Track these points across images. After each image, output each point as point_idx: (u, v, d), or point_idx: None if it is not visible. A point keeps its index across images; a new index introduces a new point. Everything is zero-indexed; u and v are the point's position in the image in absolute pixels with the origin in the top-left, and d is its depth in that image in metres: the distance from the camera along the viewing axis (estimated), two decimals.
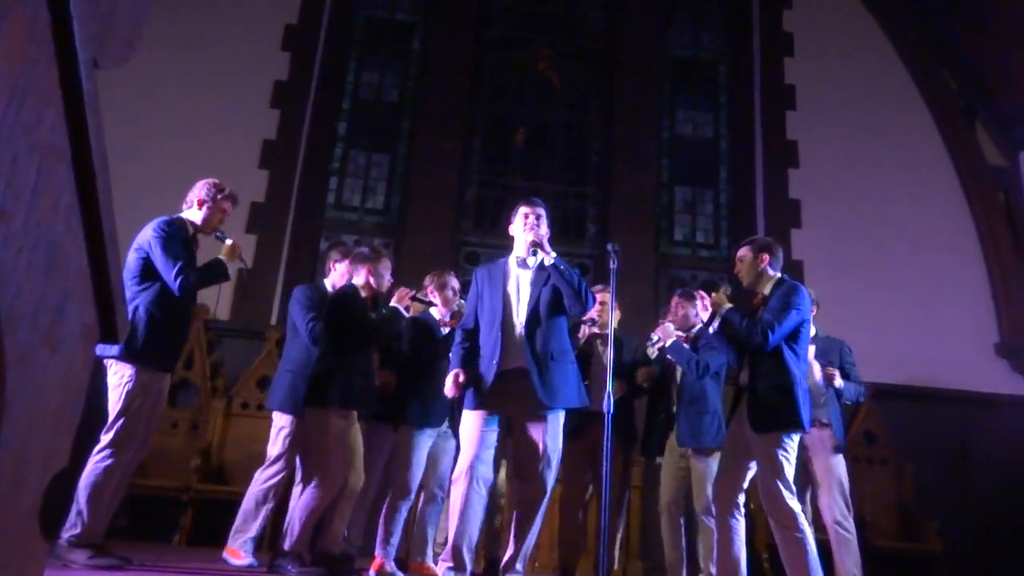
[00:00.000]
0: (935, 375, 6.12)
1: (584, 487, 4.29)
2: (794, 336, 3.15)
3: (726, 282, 6.60)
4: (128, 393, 3.09)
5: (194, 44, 6.54)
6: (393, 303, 3.67)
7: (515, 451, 3.24)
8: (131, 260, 3.22)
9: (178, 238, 3.29)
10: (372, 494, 3.91)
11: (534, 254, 3.26)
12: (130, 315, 3.13)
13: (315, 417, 3.45)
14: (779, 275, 3.34)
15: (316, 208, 6.67)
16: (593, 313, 4.01)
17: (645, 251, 6.58)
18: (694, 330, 4.04)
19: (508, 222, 3.44)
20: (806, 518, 3.92)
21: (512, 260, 3.36)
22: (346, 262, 3.87)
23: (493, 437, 3.17)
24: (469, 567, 3.09)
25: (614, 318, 3.32)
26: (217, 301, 5.76)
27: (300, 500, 3.45)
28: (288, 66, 6.75)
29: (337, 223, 6.75)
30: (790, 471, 3.03)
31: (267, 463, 3.82)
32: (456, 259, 6.56)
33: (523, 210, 3.34)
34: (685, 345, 3.98)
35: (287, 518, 3.53)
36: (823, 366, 3.95)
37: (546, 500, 3.16)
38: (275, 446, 3.81)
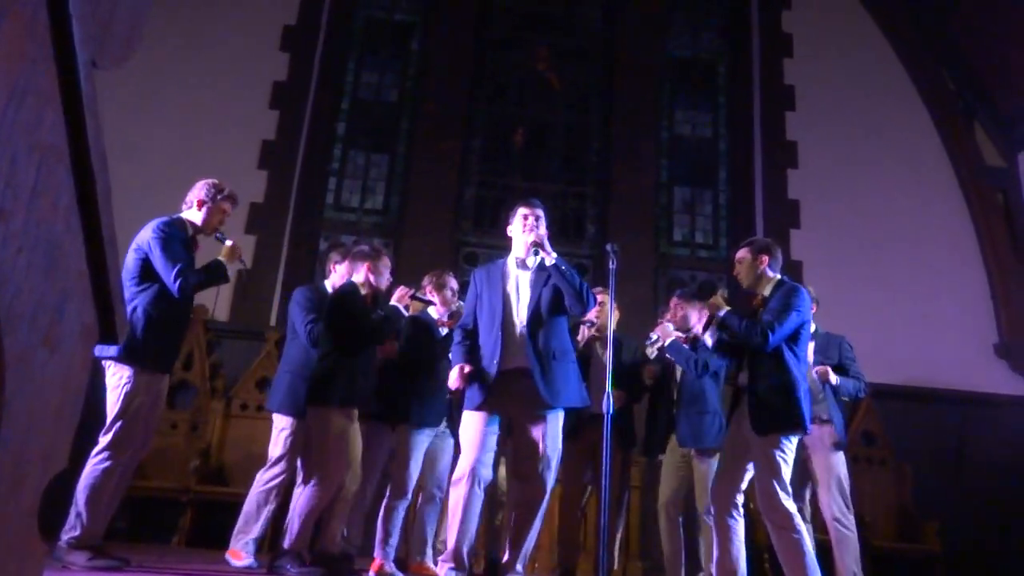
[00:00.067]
0: (934, 375, 6.13)
1: (583, 487, 4.29)
2: (794, 338, 3.14)
3: (725, 282, 6.60)
4: (127, 395, 3.09)
5: (193, 45, 6.54)
6: (393, 302, 3.68)
7: (514, 451, 3.24)
8: (130, 261, 3.22)
9: (178, 239, 3.28)
10: (371, 494, 3.91)
11: (536, 254, 3.26)
12: (128, 316, 3.13)
13: (317, 416, 3.44)
14: (779, 276, 3.33)
15: (315, 208, 6.67)
16: (592, 315, 4.02)
17: (644, 251, 6.58)
18: (693, 331, 4.04)
19: (507, 223, 3.45)
20: (806, 516, 3.94)
21: (511, 261, 3.37)
22: (346, 262, 3.87)
23: (494, 440, 3.18)
24: (469, 567, 3.09)
25: (613, 319, 3.32)
26: (216, 302, 5.76)
27: (299, 499, 3.45)
28: (287, 67, 6.74)
29: (336, 223, 6.75)
30: (787, 472, 3.03)
31: (268, 465, 3.82)
32: (455, 259, 6.56)
33: (522, 211, 3.35)
34: (684, 345, 3.98)
35: (287, 518, 3.53)
36: (818, 364, 3.92)
37: (546, 500, 3.16)
38: (276, 447, 3.81)
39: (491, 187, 7.01)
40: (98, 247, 1.13)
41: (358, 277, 3.69)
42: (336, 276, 3.98)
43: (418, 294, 3.84)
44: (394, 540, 3.75)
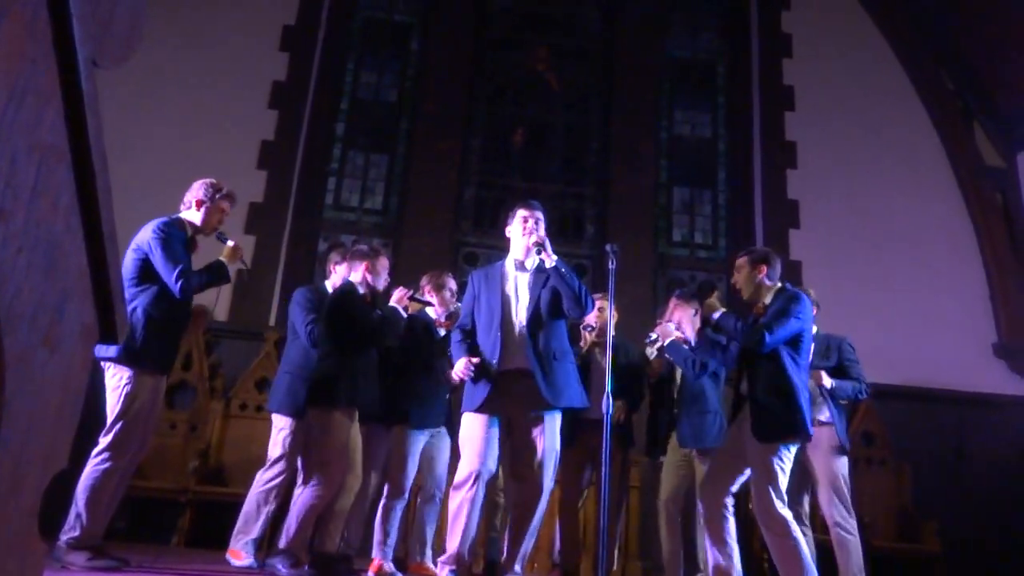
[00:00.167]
0: (933, 376, 6.13)
1: (582, 488, 4.29)
2: (795, 345, 3.11)
3: (724, 283, 6.60)
4: (127, 396, 3.09)
5: (193, 44, 6.53)
6: (392, 303, 3.67)
7: (513, 452, 3.24)
8: (129, 261, 3.22)
9: (178, 239, 3.28)
10: (370, 495, 3.91)
11: (537, 254, 3.26)
12: (128, 317, 3.12)
13: (319, 417, 3.44)
14: (779, 284, 3.30)
15: (314, 208, 6.66)
16: (591, 319, 4.02)
17: (643, 252, 6.57)
18: (683, 336, 4.04)
19: (506, 223, 3.44)
20: (805, 519, 3.93)
21: (509, 262, 3.36)
22: (345, 262, 3.87)
23: (495, 442, 3.18)
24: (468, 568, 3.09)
25: (612, 322, 3.31)
26: (215, 302, 5.74)
27: (299, 499, 3.45)
28: (286, 67, 6.74)
29: (335, 223, 6.74)
30: (783, 480, 3.02)
31: (268, 465, 3.82)
32: (455, 259, 6.56)
33: (522, 213, 3.34)
34: (684, 345, 3.98)
35: (286, 518, 3.53)
36: (813, 367, 3.86)
37: (544, 501, 3.16)
38: (276, 448, 3.81)
39: (490, 187, 7.00)
40: (98, 246, 1.13)
41: (355, 276, 3.68)
42: (336, 276, 3.98)
43: (416, 295, 3.84)
44: (392, 540, 3.75)
